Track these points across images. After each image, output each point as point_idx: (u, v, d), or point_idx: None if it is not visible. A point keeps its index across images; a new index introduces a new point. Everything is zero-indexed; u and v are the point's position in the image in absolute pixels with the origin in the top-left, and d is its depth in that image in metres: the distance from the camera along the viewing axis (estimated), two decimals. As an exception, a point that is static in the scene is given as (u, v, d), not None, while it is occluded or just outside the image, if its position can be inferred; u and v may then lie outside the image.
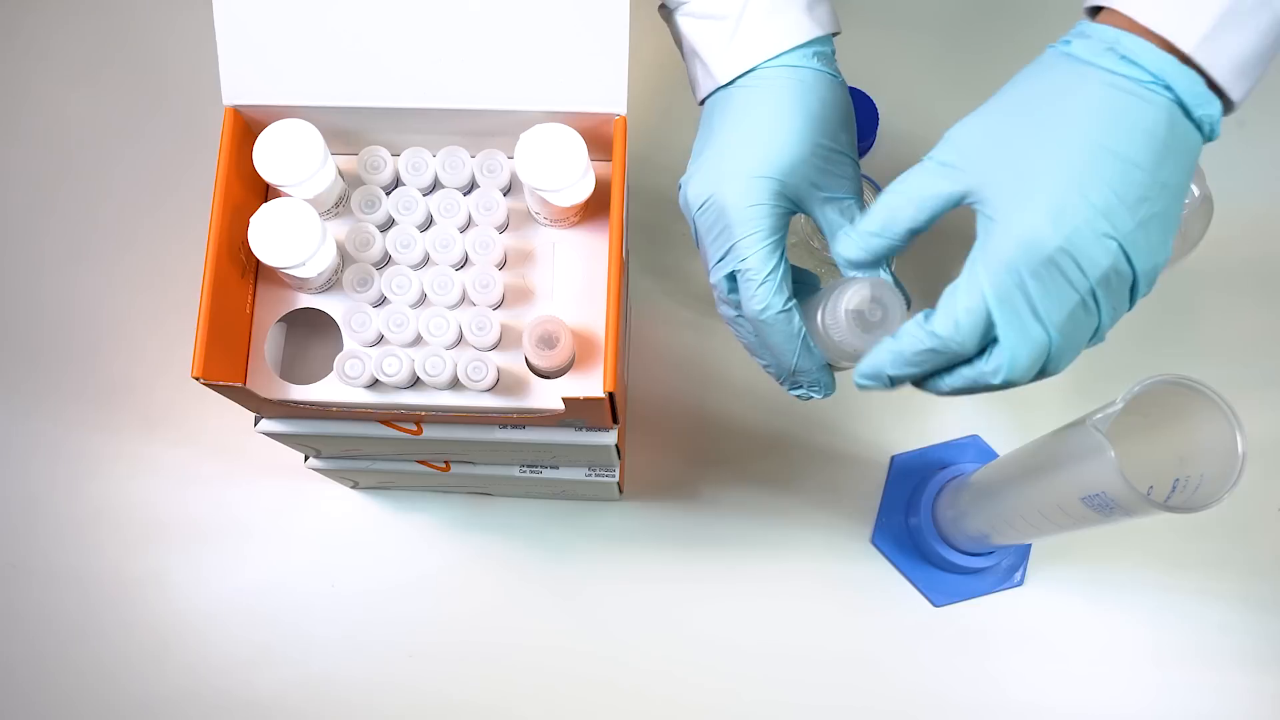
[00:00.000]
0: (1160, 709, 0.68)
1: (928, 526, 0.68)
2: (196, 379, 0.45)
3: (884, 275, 0.45)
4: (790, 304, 0.46)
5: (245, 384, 0.49)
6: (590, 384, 0.50)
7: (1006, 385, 0.40)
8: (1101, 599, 0.69)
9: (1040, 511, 0.54)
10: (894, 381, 0.42)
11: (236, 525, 0.71)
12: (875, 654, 0.69)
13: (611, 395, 0.48)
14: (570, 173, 0.47)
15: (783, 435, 0.72)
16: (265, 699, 0.68)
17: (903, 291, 0.45)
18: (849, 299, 0.43)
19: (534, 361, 0.49)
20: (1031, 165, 0.39)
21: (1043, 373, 0.41)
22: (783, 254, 0.46)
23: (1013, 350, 0.39)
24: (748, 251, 0.45)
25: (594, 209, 0.52)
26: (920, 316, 0.40)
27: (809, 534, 0.70)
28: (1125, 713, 0.68)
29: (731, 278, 0.47)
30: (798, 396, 0.49)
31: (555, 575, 0.70)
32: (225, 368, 0.48)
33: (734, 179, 0.46)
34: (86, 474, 0.72)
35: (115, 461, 0.72)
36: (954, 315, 0.39)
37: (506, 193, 0.52)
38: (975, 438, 0.72)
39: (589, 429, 0.54)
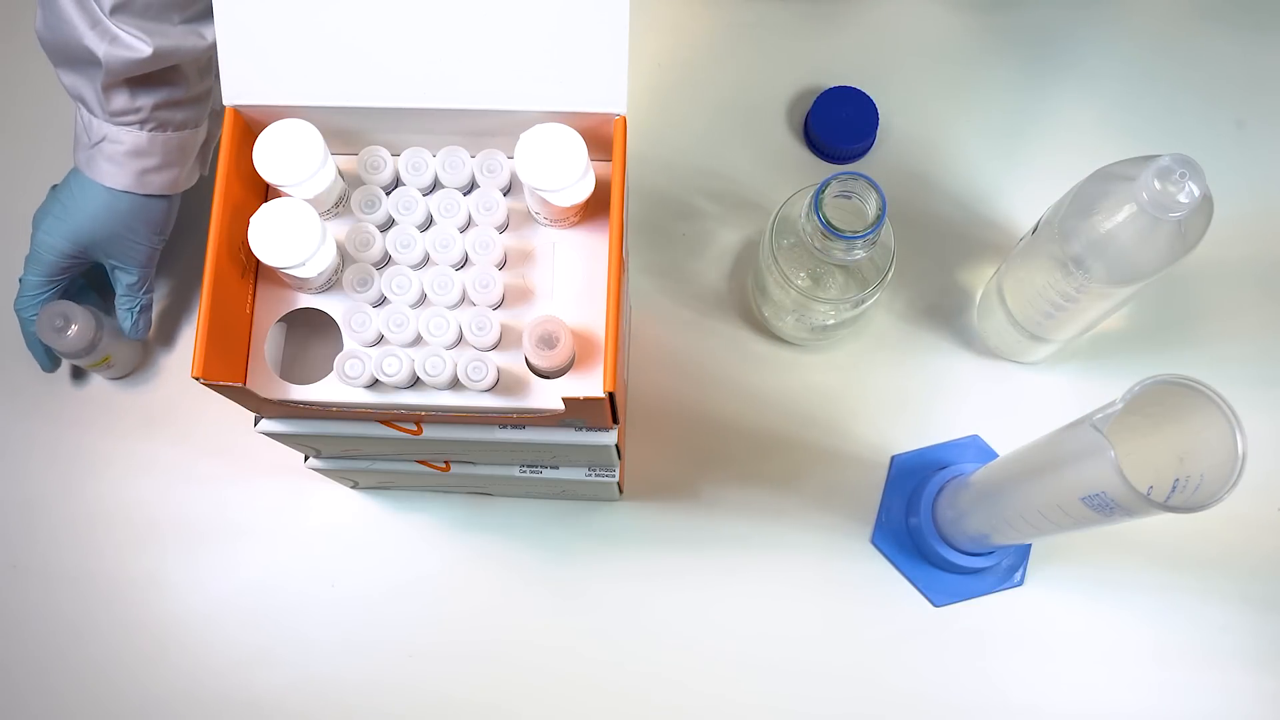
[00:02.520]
0: (1160, 709, 0.68)
1: (928, 526, 0.68)
2: (196, 379, 0.45)
3: None
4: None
5: (245, 384, 0.49)
6: (590, 384, 0.50)
7: None
8: (1101, 599, 0.69)
9: (1040, 511, 0.54)
10: None
11: (236, 525, 0.71)
12: (875, 654, 0.69)
13: (611, 395, 0.48)
14: (570, 173, 0.47)
15: (783, 435, 0.72)
16: (264, 699, 0.68)
17: None
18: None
19: (534, 361, 0.49)
20: None
21: None
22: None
23: None
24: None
25: (594, 209, 0.52)
26: None
27: (809, 534, 0.70)
28: (1125, 712, 0.68)
29: None
30: None
31: (555, 575, 0.70)
32: (225, 368, 0.48)
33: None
34: (85, 474, 0.72)
35: (115, 461, 0.72)
36: None
37: (506, 193, 0.52)
38: (975, 438, 0.72)
39: (589, 429, 0.54)
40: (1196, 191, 0.50)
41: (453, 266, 0.51)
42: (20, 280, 0.67)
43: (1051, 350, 0.70)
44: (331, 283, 0.51)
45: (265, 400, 0.50)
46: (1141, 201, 0.51)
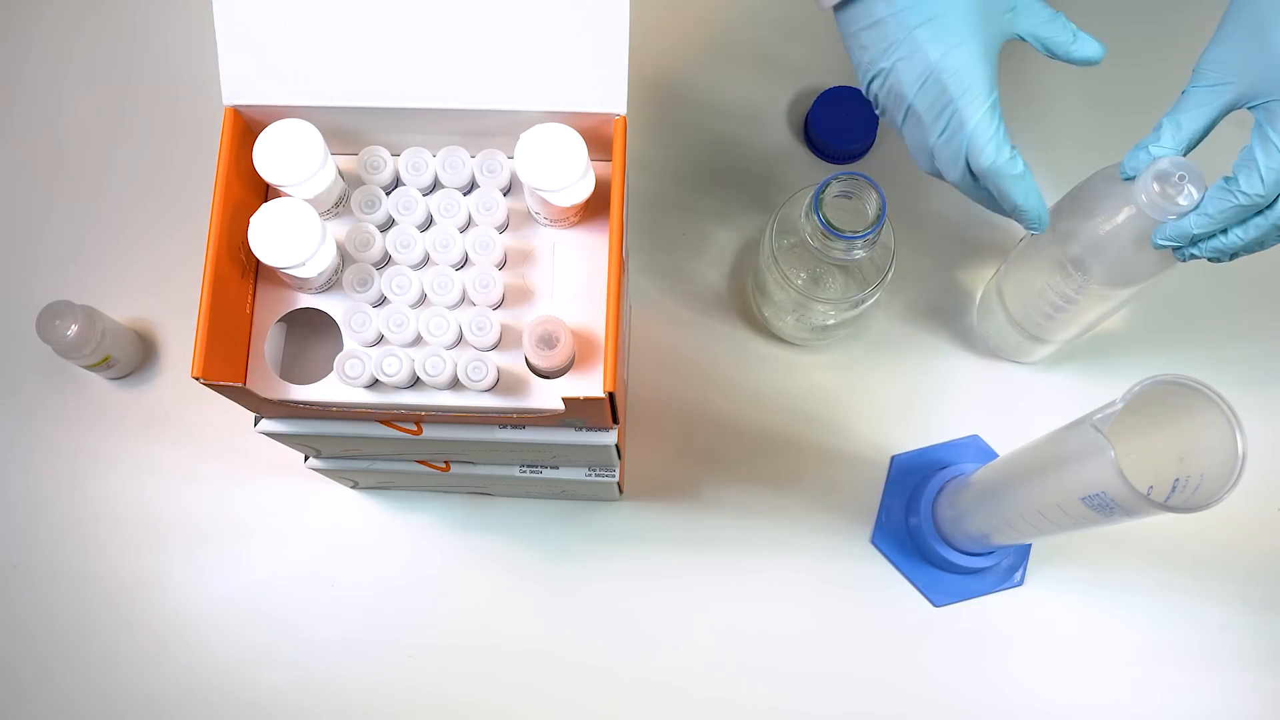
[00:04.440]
0: (1160, 709, 0.68)
1: (928, 526, 0.68)
2: (196, 379, 0.45)
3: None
4: (1014, 151, 0.51)
5: (245, 384, 0.49)
6: (590, 384, 0.50)
7: None
8: (1101, 599, 0.69)
9: (1040, 511, 0.54)
10: (1194, 241, 0.51)
11: (236, 525, 0.71)
12: (875, 654, 0.69)
13: (611, 395, 0.48)
14: (570, 173, 0.47)
15: (783, 435, 0.72)
16: (265, 699, 0.68)
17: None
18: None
19: (534, 361, 0.49)
20: None
21: None
22: (997, 106, 0.51)
23: None
24: (972, 116, 0.50)
25: (594, 209, 0.52)
26: (1221, 182, 0.49)
27: (809, 534, 0.70)
28: (1125, 712, 0.68)
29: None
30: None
31: (555, 575, 0.70)
32: (225, 368, 0.48)
33: (934, 52, 0.50)
34: (86, 474, 0.72)
35: (115, 461, 0.72)
36: (1258, 175, 0.48)
37: (506, 193, 0.52)
38: (975, 438, 0.72)
39: (589, 429, 0.54)
40: (1195, 194, 0.50)
41: (453, 266, 0.51)
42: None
43: (1051, 350, 0.70)
44: (331, 283, 0.51)
45: (265, 400, 0.50)
46: (1140, 204, 0.51)
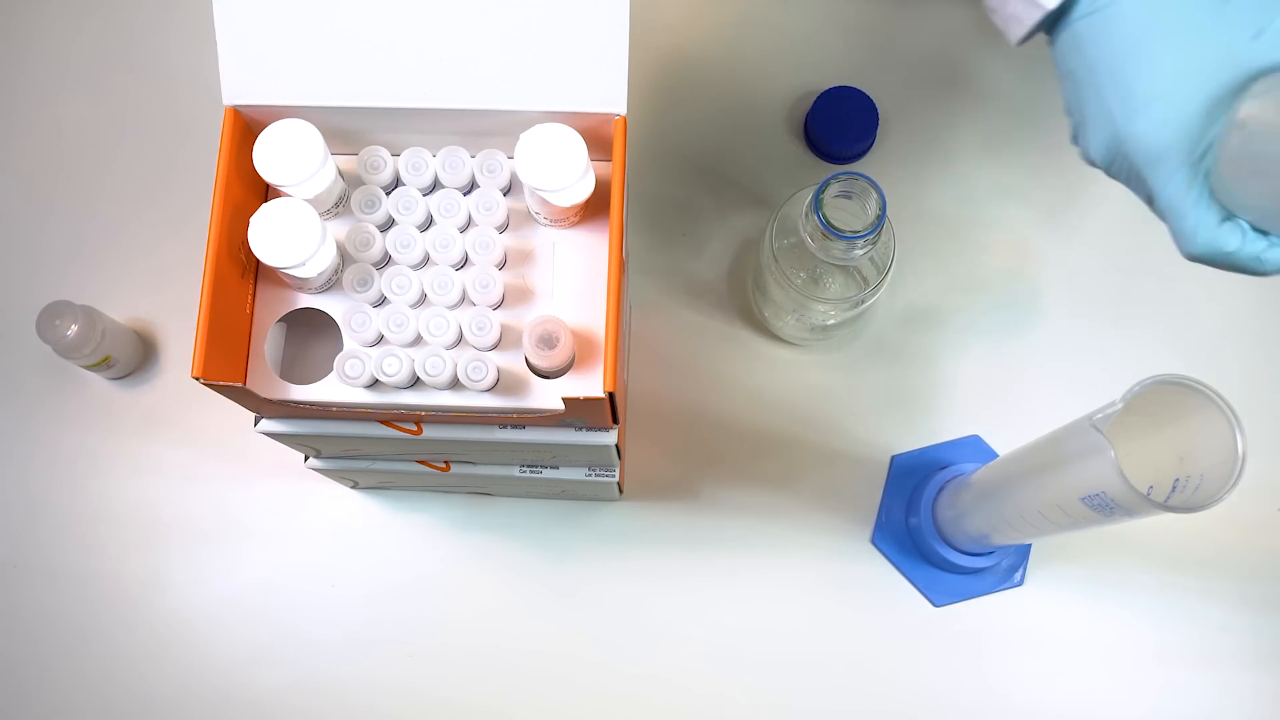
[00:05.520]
0: (1161, 709, 0.68)
1: (928, 526, 0.68)
2: (196, 379, 0.45)
3: None
4: (1228, 220, 0.41)
5: (245, 384, 0.49)
6: (590, 384, 0.50)
7: None
8: (1101, 599, 0.69)
9: (1040, 511, 0.54)
10: None
11: (236, 525, 0.71)
12: (875, 654, 0.69)
13: (611, 395, 0.48)
14: (570, 173, 0.47)
15: (783, 435, 0.72)
16: (265, 699, 0.68)
17: None
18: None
19: (534, 361, 0.49)
20: None
21: None
22: (1204, 178, 0.40)
23: None
24: (1161, 191, 0.41)
25: (594, 209, 0.52)
26: None
27: (809, 534, 0.70)
28: (1125, 712, 0.68)
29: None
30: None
31: (555, 575, 0.70)
32: (225, 368, 0.48)
33: (1125, 127, 0.41)
34: (86, 474, 0.72)
35: (115, 461, 0.72)
36: None
37: (506, 193, 0.52)
38: (975, 438, 0.72)
39: (589, 429, 0.54)
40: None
41: (453, 266, 0.51)
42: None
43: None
44: (331, 283, 0.51)
45: (265, 400, 0.50)
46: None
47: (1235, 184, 0.40)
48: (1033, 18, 0.43)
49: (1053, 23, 0.44)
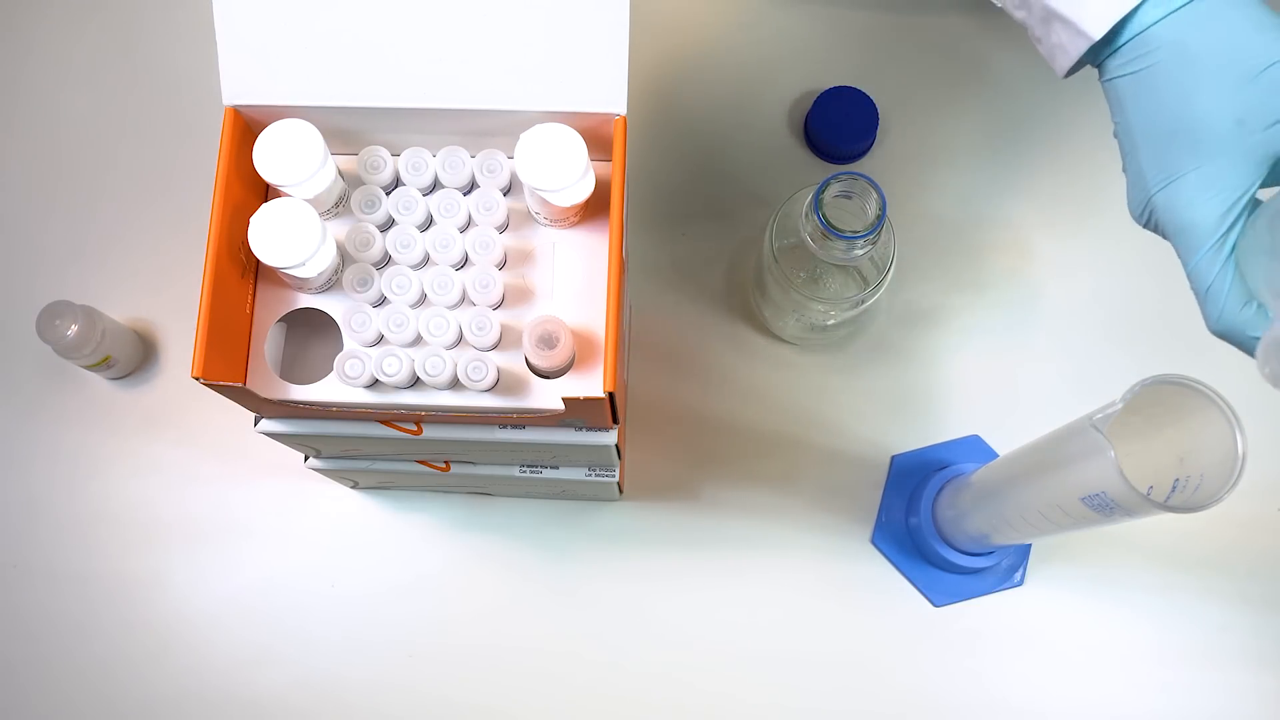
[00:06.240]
0: (1161, 709, 0.68)
1: (928, 526, 0.68)
2: (196, 379, 0.45)
3: None
4: (1243, 309, 0.41)
5: (245, 384, 0.49)
6: (590, 384, 0.50)
7: None
8: (1101, 599, 0.69)
9: (1040, 511, 0.54)
10: None
11: (236, 525, 0.71)
12: (875, 654, 0.69)
13: (611, 395, 0.48)
14: (570, 173, 0.47)
15: (783, 435, 0.72)
16: (265, 699, 0.68)
17: None
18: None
19: (534, 361, 0.49)
20: None
21: None
22: (1230, 256, 0.41)
23: None
24: (1189, 260, 0.41)
25: (594, 209, 0.52)
26: None
27: (809, 534, 0.70)
28: (1125, 713, 0.68)
29: None
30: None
31: (555, 575, 0.70)
32: (225, 368, 0.48)
33: (1156, 194, 0.42)
34: (86, 474, 0.72)
35: (115, 461, 0.72)
36: None
37: (506, 193, 0.52)
38: (975, 438, 0.72)
39: (589, 429, 0.54)
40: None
41: (453, 266, 0.51)
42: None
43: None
44: (331, 283, 0.51)
45: (265, 400, 0.50)
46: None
47: (1259, 266, 0.40)
48: (1079, 48, 0.43)
49: (1098, 54, 0.43)
